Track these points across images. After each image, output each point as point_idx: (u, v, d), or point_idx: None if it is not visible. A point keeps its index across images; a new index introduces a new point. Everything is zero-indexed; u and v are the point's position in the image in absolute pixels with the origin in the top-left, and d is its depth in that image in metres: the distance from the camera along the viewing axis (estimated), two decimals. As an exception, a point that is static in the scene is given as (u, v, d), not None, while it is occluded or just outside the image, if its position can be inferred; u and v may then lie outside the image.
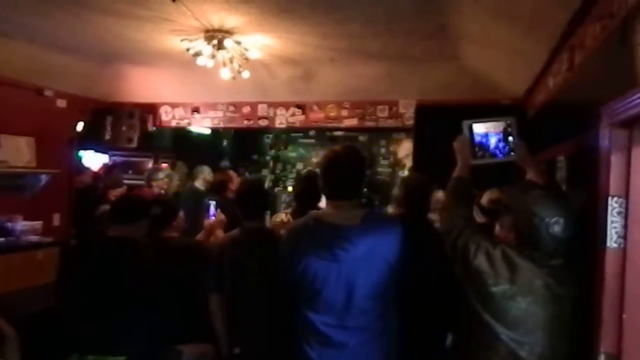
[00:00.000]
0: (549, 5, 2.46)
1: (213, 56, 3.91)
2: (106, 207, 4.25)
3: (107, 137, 5.79)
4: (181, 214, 3.29)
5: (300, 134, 8.07)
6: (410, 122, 5.19)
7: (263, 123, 5.74)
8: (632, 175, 1.72)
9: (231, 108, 5.81)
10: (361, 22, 3.44)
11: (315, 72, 4.93)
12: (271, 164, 8.19)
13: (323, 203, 2.77)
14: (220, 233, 3.37)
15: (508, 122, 2.16)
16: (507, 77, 4.15)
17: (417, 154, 5.14)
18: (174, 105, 5.99)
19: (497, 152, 2.16)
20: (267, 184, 7.64)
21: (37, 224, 4.68)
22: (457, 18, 3.21)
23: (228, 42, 3.84)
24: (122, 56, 4.79)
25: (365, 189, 6.75)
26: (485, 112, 2.23)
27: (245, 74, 4.22)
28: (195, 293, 2.75)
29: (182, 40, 3.86)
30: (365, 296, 1.98)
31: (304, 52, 4.28)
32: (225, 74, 4.12)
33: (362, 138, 7.68)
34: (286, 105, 5.60)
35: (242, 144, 8.29)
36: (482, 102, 4.48)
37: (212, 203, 3.64)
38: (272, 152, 8.23)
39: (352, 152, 2.12)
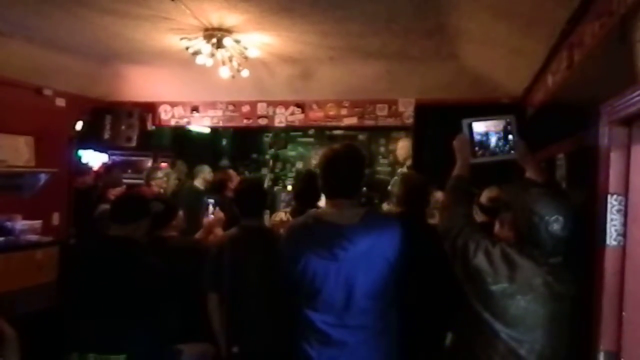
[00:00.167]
0: (548, 4, 2.46)
1: (212, 55, 3.91)
2: (105, 206, 4.26)
3: (107, 136, 5.79)
4: (180, 213, 3.29)
5: (300, 133, 8.06)
6: (409, 121, 5.19)
7: (262, 122, 5.74)
8: (631, 173, 1.72)
9: (230, 107, 5.81)
10: (361, 21, 3.43)
11: (314, 70, 4.93)
12: (271, 163, 8.18)
13: (322, 202, 2.77)
14: (219, 232, 3.38)
15: (508, 120, 2.15)
16: (506, 76, 4.16)
17: (416, 152, 5.15)
18: (173, 104, 5.99)
19: (497, 150, 2.16)
20: (266, 183, 7.64)
21: (37, 223, 4.67)
22: (456, 17, 3.21)
23: (227, 41, 3.83)
24: (121, 55, 4.78)
25: (364, 188, 6.75)
26: (484, 111, 2.23)
27: (245, 73, 4.22)
28: (194, 292, 2.75)
29: (181, 39, 3.86)
30: (365, 295, 1.98)
31: (304, 51, 4.28)
32: (225, 72, 4.12)
33: (361, 137, 7.68)
34: (285, 104, 5.60)
35: (241, 143, 8.28)
36: (481, 100, 4.49)
37: (211, 202, 3.65)
38: (272, 151, 8.23)
39: (352, 150, 2.11)
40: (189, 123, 6.03)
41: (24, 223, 4.56)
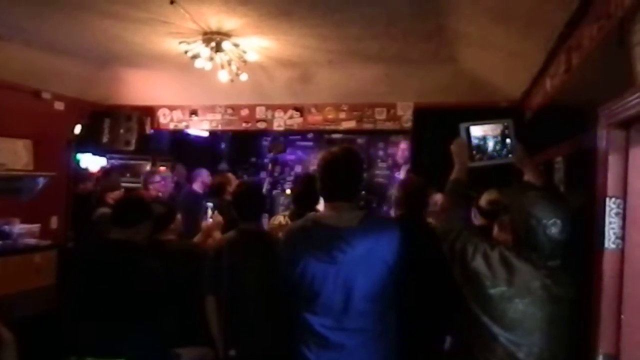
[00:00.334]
0: (546, 7, 2.46)
1: (211, 59, 3.91)
2: (104, 210, 4.25)
3: (105, 139, 5.78)
4: (179, 216, 3.29)
5: (299, 137, 8.06)
6: (408, 125, 5.19)
7: (261, 126, 5.74)
8: (629, 176, 1.72)
9: (229, 111, 5.82)
10: (359, 25, 3.44)
11: (313, 74, 4.93)
12: (269, 166, 8.17)
13: (321, 206, 2.77)
14: (217, 235, 3.37)
15: (505, 124, 2.16)
16: (504, 79, 4.16)
17: (415, 156, 5.15)
18: (172, 108, 5.99)
19: (495, 154, 2.16)
20: (265, 187, 7.63)
21: (35, 227, 4.66)
22: (454, 20, 3.21)
23: (226, 45, 3.84)
24: (120, 59, 4.78)
25: (363, 192, 6.75)
26: (482, 115, 2.23)
27: (243, 77, 4.22)
28: (192, 295, 2.75)
29: (180, 42, 3.86)
30: (364, 298, 1.97)
31: (302, 55, 4.28)
32: (223, 76, 4.12)
33: (360, 140, 7.68)
34: (284, 108, 5.60)
35: (240, 147, 8.27)
36: (479, 104, 4.49)
37: (210, 205, 3.64)
38: (271, 154, 8.23)
39: (350, 153, 2.11)
40: (187, 127, 6.03)
41: (22, 227, 4.55)
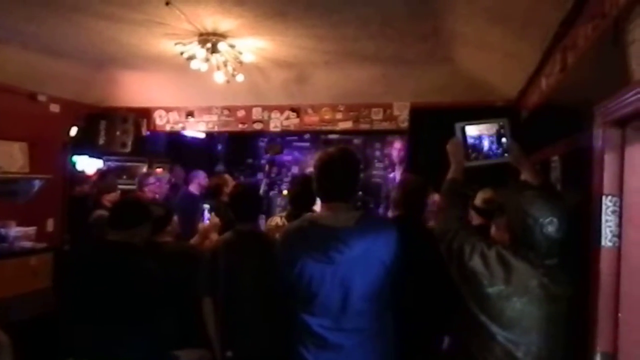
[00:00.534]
0: (541, 7, 2.47)
1: (207, 60, 3.90)
2: (100, 212, 4.24)
3: (101, 142, 5.76)
4: (175, 218, 3.28)
5: (295, 138, 8.06)
6: (404, 125, 5.20)
7: (258, 127, 5.74)
8: (625, 174, 1.73)
9: (225, 112, 5.81)
10: (355, 25, 3.44)
11: (309, 75, 4.93)
12: (266, 167, 8.17)
13: (318, 206, 2.77)
14: (214, 237, 3.37)
15: (501, 123, 2.16)
16: (500, 79, 4.17)
17: (411, 156, 5.15)
18: (168, 110, 5.98)
19: (491, 153, 2.16)
20: (262, 188, 7.63)
21: (31, 229, 4.64)
22: (451, 20, 3.22)
23: (222, 46, 3.84)
24: (116, 60, 4.77)
25: (360, 192, 6.76)
26: (478, 114, 2.23)
27: (240, 78, 4.22)
28: (190, 298, 2.74)
29: (175, 44, 3.85)
30: (361, 298, 1.98)
31: (298, 55, 4.28)
32: (219, 77, 4.12)
33: (356, 141, 7.70)
34: (280, 109, 5.60)
35: (237, 148, 8.27)
36: (475, 104, 4.49)
37: (207, 207, 3.64)
38: (268, 155, 8.22)
39: (346, 153, 2.11)
40: (184, 128, 6.02)
41: (18, 229, 4.53)
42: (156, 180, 5.06)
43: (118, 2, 3.13)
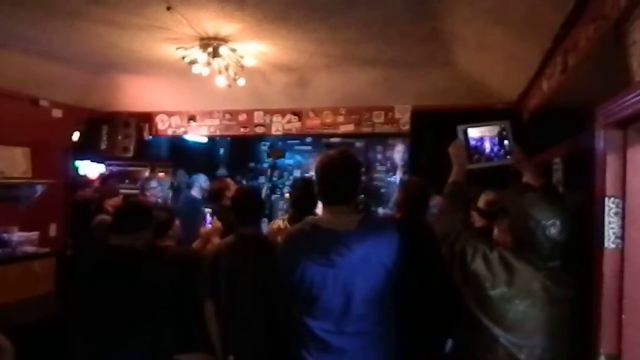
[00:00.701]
0: (542, 8, 2.47)
1: (208, 64, 3.91)
2: (103, 216, 4.25)
3: (103, 146, 5.77)
4: (177, 222, 3.28)
5: (297, 141, 8.07)
6: (406, 128, 5.19)
7: (259, 130, 5.74)
8: (628, 176, 1.72)
9: (227, 116, 5.81)
10: (356, 28, 3.44)
11: (310, 78, 4.93)
12: (268, 171, 8.18)
13: (319, 209, 2.77)
14: (216, 240, 3.37)
15: (502, 125, 2.17)
16: (501, 81, 4.17)
17: (413, 159, 5.15)
18: (170, 114, 5.98)
19: (493, 155, 2.17)
20: (264, 192, 7.64)
21: (34, 234, 4.64)
22: (451, 22, 3.22)
23: (223, 50, 3.84)
24: (118, 65, 4.78)
25: (362, 195, 6.76)
26: (480, 117, 2.24)
27: (241, 82, 4.22)
28: (191, 301, 2.74)
29: (177, 48, 3.86)
30: (363, 301, 1.97)
31: (299, 59, 4.29)
32: (221, 81, 4.12)
33: (358, 144, 7.70)
34: (282, 112, 5.60)
35: (238, 152, 8.29)
36: (477, 106, 4.49)
37: (209, 211, 3.64)
38: (270, 159, 8.24)
39: (347, 156, 2.12)
40: (186, 132, 6.02)
41: (20, 234, 4.53)
42: (158, 184, 5.07)
43: (119, 7, 3.14)
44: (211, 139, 6.82)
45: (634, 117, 1.62)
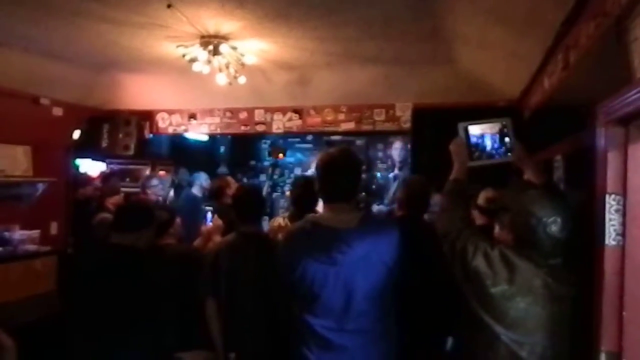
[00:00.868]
0: (543, 6, 2.46)
1: (209, 62, 3.90)
2: (104, 215, 4.25)
3: (104, 145, 5.77)
4: (178, 220, 3.28)
5: (298, 139, 8.07)
6: (407, 125, 5.19)
7: (260, 128, 5.73)
8: (629, 173, 1.72)
9: (228, 114, 5.80)
10: (357, 26, 3.44)
11: (311, 76, 4.93)
12: (269, 169, 8.19)
13: (320, 207, 2.77)
14: (217, 239, 3.37)
15: (503, 123, 2.16)
16: (503, 79, 4.16)
17: (414, 157, 5.15)
18: (170, 112, 5.98)
19: (494, 153, 2.16)
20: (265, 190, 7.64)
21: (35, 233, 4.65)
22: (452, 20, 3.22)
23: (224, 48, 3.84)
24: (118, 63, 4.78)
25: (363, 193, 6.76)
26: (481, 114, 2.23)
27: (242, 80, 4.22)
28: (193, 300, 2.74)
29: (177, 46, 3.86)
30: (364, 299, 1.97)
31: (300, 57, 4.28)
32: (222, 79, 4.12)
33: (359, 142, 7.70)
34: (283, 110, 5.60)
35: (239, 150, 8.29)
36: (478, 104, 4.49)
37: (210, 209, 3.65)
38: (270, 157, 8.24)
39: (348, 154, 2.12)
40: (186, 131, 6.02)
41: (22, 233, 4.54)
42: (159, 182, 5.07)
43: (120, 5, 3.14)
44: (212, 137, 6.81)
45: (635, 114, 1.62)
